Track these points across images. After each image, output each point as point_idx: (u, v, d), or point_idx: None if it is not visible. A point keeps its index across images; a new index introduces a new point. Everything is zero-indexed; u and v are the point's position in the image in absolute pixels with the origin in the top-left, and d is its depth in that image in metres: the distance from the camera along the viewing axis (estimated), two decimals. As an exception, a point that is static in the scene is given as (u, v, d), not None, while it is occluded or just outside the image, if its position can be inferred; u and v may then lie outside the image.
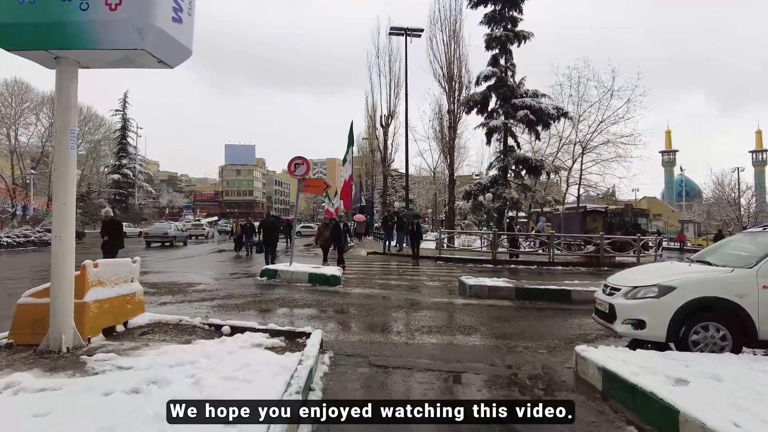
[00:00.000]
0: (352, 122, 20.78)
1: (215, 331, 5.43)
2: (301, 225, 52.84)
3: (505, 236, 19.47)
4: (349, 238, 26.01)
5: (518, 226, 26.46)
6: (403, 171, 63.64)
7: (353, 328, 6.52)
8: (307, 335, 5.10)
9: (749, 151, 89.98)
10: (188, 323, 5.64)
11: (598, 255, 17.91)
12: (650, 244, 21.56)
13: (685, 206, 77.76)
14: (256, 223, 19.02)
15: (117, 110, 64.45)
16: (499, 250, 18.00)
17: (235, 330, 5.36)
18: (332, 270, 10.97)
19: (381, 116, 34.25)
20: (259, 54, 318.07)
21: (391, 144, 35.44)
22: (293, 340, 5.09)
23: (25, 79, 55.09)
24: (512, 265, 17.01)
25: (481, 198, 24.26)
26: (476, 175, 43.49)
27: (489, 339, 6.09)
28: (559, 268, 17.00)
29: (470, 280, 9.92)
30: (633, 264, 18.60)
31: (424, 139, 43.61)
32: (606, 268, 17.32)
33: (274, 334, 5.24)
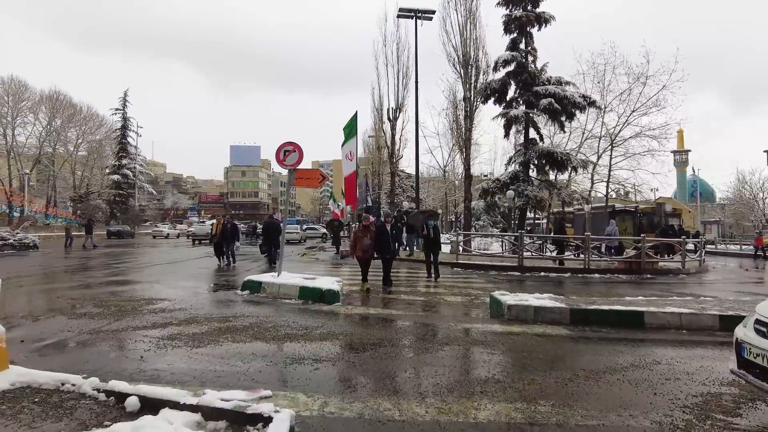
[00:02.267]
0: (356, 111, 18.46)
1: (115, 405, 3.21)
2: (306, 227, 50.68)
3: (533, 239, 17.16)
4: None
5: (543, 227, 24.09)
6: (411, 171, 61.46)
7: (352, 386, 4.26)
8: (266, 421, 2.87)
9: (764, 151, 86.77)
10: (72, 390, 3.40)
11: (639, 260, 15.53)
12: (690, 246, 19.16)
13: (701, 207, 74.76)
14: (242, 226, 16.96)
15: (117, 109, 62.66)
16: (525, 254, 15.64)
17: (148, 405, 3.14)
18: (329, 283, 8.70)
19: (388, 109, 31.88)
20: (265, 55, 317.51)
21: (400, 139, 33.08)
22: (243, 429, 2.87)
23: (22, 77, 53.90)
24: (541, 273, 14.68)
25: (499, 196, 21.98)
26: (485, 176, 41.13)
27: (565, 409, 3.79)
28: (596, 276, 14.67)
29: (507, 298, 7.63)
30: (678, 271, 16.26)
31: (434, 135, 41.31)
32: (649, 276, 15.03)
33: (210, 414, 3.01)
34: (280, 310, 7.72)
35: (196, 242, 30.69)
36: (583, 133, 26.44)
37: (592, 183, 25.50)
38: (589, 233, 15.40)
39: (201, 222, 48.72)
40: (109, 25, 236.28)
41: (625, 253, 16.31)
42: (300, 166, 9.81)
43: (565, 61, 51.37)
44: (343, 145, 18.45)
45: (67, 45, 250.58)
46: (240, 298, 8.88)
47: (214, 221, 17.90)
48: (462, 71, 20.28)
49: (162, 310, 7.48)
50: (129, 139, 62.67)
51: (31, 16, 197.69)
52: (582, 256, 15.77)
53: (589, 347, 5.85)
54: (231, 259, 15.53)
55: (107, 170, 60.95)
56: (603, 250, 17.18)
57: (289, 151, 9.64)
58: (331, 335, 6.04)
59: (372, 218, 10.52)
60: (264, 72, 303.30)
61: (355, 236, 10.12)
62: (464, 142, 20.74)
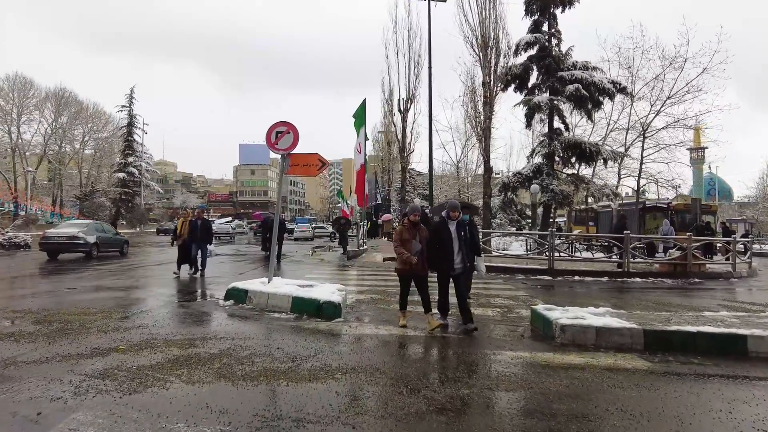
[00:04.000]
0: (364, 99, 16.83)
1: None
2: (315, 225, 49.15)
3: (568, 239, 15.32)
4: (363, 239, 22.12)
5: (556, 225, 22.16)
6: (421, 168, 59.70)
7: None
8: None
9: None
10: None
11: (685, 262, 13.68)
12: (740, 247, 17.21)
13: (723, 205, 72.11)
14: (225, 221, 14.81)
15: (123, 106, 61.54)
16: (558, 256, 13.81)
17: None
18: (328, 292, 7.01)
19: (399, 100, 30.16)
20: (278, 55, 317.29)
21: (411, 132, 31.26)
22: None
23: (27, 74, 53.02)
24: (575, 277, 12.89)
25: (518, 193, 20.18)
26: (496, 174, 39.12)
27: None
28: (638, 280, 12.89)
29: (555, 314, 5.92)
30: (729, 275, 14.37)
31: (446, 129, 39.39)
32: (696, 280, 13.22)
33: None
34: (264, 329, 6.08)
35: (219, 239, 30.82)
36: (608, 124, 24.55)
37: (620, 177, 23.59)
38: (628, 232, 13.55)
39: (210, 220, 48.09)
40: (122, 26, 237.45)
41: (668, 254, 14.43)
42: (297, 152, 8.17)
43: (589, 48, 49.30)
44: (357, 137, 16.89)
45: (78, 47, 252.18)
46: (220, 310, 7.26)
47: (180, 218, 13.25)
48: (481, 54, 18.45)
49: (116, 329, 5.87)
50: (135, 136, 61.59)
51: (42, 15, 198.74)
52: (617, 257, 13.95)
53: (686, 390, 4.12)
54: (200, 267, 11.80)
55: (112, 168, 59.84)
56: (661, 251, 15.33)
57: (282, 133, 7.99)
58: (326, 372, 4.37)
59: (420, 209, 6.64)
60: (277, 72, 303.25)
61: (400, 237, 6.27)
62: (483, 131, 18.92)
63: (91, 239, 16.35)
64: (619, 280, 12.74)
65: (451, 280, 6.31)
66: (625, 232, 13.58)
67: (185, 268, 11.88)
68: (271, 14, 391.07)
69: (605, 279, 12.77)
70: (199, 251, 11.85)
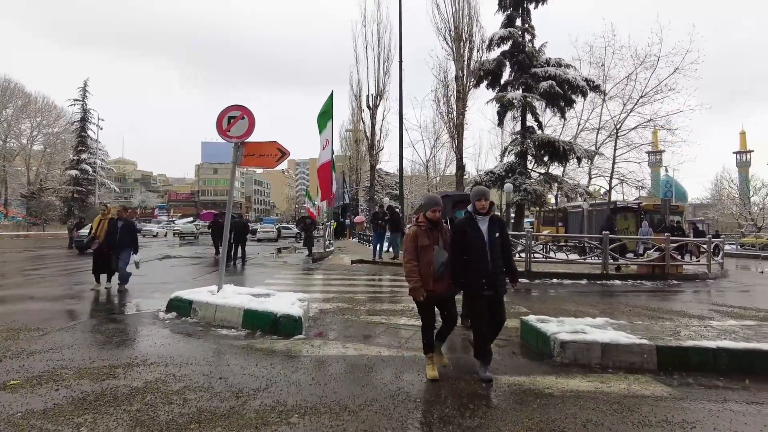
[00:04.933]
0: (332, 91, 15.82)
1: None
2: (280, 226, 47.59)
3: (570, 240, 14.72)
4: (329, 241, 21.05)
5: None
6: (390, 168, 58.84)
7: None
8: None
9: (733, 152, 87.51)
10: None
11: (663, 263, 13.28)
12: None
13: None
14: (187, 221, 13.10)
15: (76, 100, 58.13)
16: (533, 258, 13.16)
17: None
18: (287, 303, 5.97)
19: (368, 96, 29.20)
20: (243, 52, 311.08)
21: (380, 130, 30.33)
22: None
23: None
24: (553, 280, 12.26)
25: (492, 190, 19.50)
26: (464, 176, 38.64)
27: None
28: (617, 282, 12.40)
29: (551, 327, 5.10)
30: (704, 276, 14.08)
31: (416, 128, 38.76)
32: (675, 282, 12.87)
33: None
34: (208, 350, 5.02)
35: (183, 239, 31.39)
36: (579, 124, 24.33)
37: (590, 177, 23.37)
38: (607, 233, 13.04)
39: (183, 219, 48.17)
40: (85, 23, 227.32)
41: (646, 255, 14.03)
42: (253, 140, 7.10)
43: (561, 46, 49.50)
44: (320, 134, 15.86)
45: (37, 37, 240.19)
46: (158, 325, 6.12)
47: (102, 216, 9.60)
48: (454, 47, 17.71)
49: (17, 354, 4.70)
50: (89, 132, 58.33)
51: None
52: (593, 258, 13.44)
53: (726, 424, 3.35)
54: (120, 280, 9.07)
55: (64, 165, 56.50)
56: (641, 252, 14.90)
57: (235, 118, 6.93)
58: (279, 414, 3.37)
59: (439, 200, 4.43)
60: (242, 70, 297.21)
61: (414, 245, 4.25)
62: (456, 127, 18.17)
63: None
64: (599, 282, 12.19)
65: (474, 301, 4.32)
66: (604, 232, 13.07)
67: (119, 277, 9.21)
68: (236, 7, 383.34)
69: (584, 282, 12.20)
70: (120, 261, 9.09)
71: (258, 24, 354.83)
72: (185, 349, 5.05)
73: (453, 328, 4.55)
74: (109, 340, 5.38)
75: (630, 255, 15.37)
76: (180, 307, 6.59)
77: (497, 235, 4.23)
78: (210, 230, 18.53)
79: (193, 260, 16.95)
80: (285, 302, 6.00)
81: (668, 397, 3.91)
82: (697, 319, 7.01)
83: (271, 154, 6.81)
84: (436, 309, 4.41)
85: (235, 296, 6.36)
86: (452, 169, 42.96)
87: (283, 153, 6.70)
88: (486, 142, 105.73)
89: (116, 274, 9.20)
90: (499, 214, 4.73)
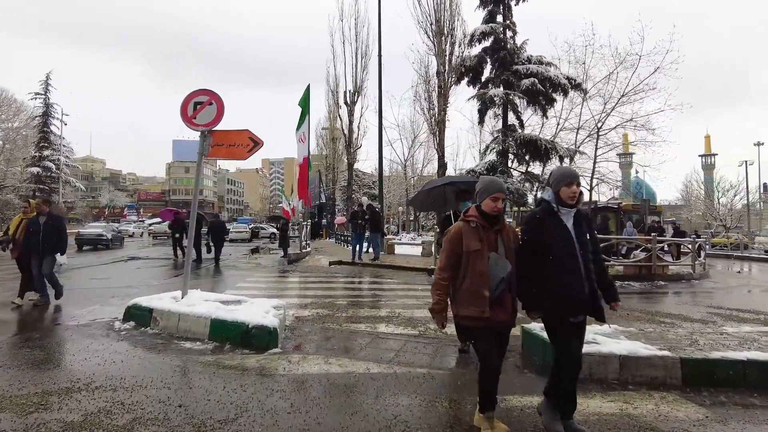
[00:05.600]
0: (308, 85, 15.10)
1: None
2: (252, 225, 46.30)
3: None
4: (306, 241, 20.25)
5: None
6: (366, 169, 58.13)
7: None
8: None
9: (699, 155, 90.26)
10: None
11: (650, 264, 13.03)
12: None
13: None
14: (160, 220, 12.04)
15: (38, 93, 55.74)
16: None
17: None
18: (260, 312, 5.25)
19: (345, 92, 28.49)
20: (218, 48, 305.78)
21: (358, 127, 29.61)
22: None
23: None
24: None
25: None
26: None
27: None
28: (605, 283, 11.99)
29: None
30: (690, 276, 13.90)
31: (394, 126, 38.21)
32: (662, 283, 12.62)
33: None
34: (167, 369, 4.27)
35: (156, 239, 31.21)
36: (558, 123, 24.14)
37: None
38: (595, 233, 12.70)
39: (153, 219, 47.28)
40: (46, 12, 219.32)
41: (632, 256, 13.77)
42: (222, 129, 6.36)
43: (541, 45, 49.72)
44: (297, 130, 15.16)
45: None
46: (112, 337, 5.33)
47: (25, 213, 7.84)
48: (435, 41, 17.19)
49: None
50: (53, 127, 56.01)
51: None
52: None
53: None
54: (43, 289, 7.33)
55: (24, 162, 53.89)
56: (623, 252, 14.63)
57: (201, 104, 6.18)
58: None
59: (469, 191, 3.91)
60: (216, 66, 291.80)
61: (451, 246, 3.00)
62: (438, 123, 17.65)
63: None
64: (586, 284, 11.82)
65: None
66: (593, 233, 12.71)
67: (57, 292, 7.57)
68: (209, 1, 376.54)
69: (572, 283, 11.82)
70: (39, 267, 7.26)
71: (232, 20, 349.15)
72: (141, 367, 4.30)
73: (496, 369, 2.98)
74: (48, 358, 4.59)
75: (641, 254, 15.18)
76: (139, 315, 5.80)
77: (587, 236, 3.00)
78: (170, 230, 17.15)
79: (161, 262, 15.95)
80: (258, 310, 5.29)
81: (705, 421, 3.38)
82: (700, 324, 6.61)
83: (242, 144, 6.08)
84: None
85: (201, 303, 5.61)
86: (430, 169, 42.73)
87: (256, 143, 5.98)
88: (464, 141, 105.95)
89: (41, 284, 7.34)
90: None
